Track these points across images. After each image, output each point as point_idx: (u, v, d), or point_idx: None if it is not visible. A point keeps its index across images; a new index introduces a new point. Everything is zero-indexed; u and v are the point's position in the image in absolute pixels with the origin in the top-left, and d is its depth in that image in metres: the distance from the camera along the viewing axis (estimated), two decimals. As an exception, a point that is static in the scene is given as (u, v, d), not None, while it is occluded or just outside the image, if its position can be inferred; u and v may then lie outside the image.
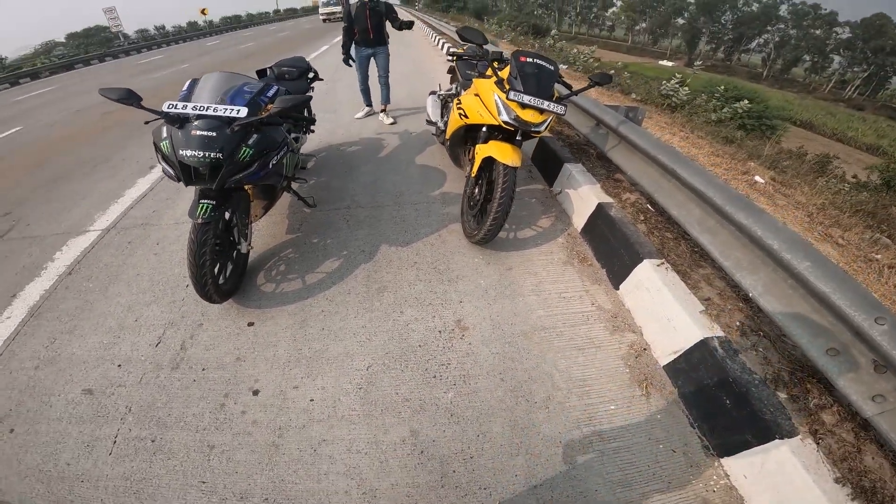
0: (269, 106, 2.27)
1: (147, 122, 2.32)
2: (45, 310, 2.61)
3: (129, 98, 2.03)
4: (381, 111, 5.43)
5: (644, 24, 79.14)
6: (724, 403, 1.61)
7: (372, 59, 5.03)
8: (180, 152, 1.96)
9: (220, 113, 2.04)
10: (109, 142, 5.78)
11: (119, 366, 2.16)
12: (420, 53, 11.38)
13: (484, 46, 2.63)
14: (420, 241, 2.92)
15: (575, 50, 12.95)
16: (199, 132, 1.98)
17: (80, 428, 1.89)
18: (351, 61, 4.97)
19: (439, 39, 13.42)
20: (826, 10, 61.75)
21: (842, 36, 59.84)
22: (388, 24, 4.90)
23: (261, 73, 3.34)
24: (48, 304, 2.65)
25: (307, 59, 3.46)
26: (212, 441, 1.77)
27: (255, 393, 1.95)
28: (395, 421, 1.78)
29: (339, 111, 5.99)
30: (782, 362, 1.72)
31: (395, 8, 5.07)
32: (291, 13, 57.92)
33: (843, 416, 1.51)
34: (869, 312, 1.31)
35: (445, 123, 3.50)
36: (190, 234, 2.10)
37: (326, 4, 29.15)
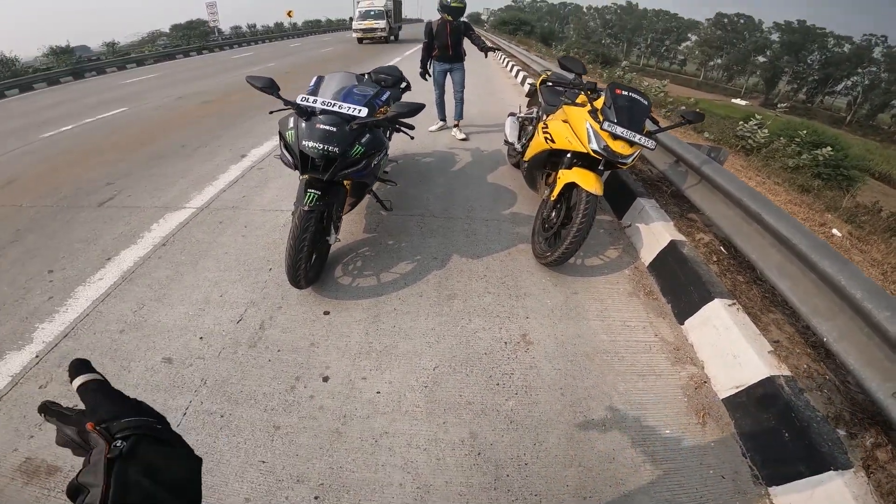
0: (383, 109, 2.47)
1: (271, 112, 2.55)
2: (137, 276, 2.81)
3: (271, 88, 2.25)
4: (455, 126, 5.61)
5: (719, 60, 76.41)
6: (781, 436, 1.65)
7: (448, 74, 5.24)
8: (303, 143, 2.16)
9: (343, 110, 2.24)
10: (206, 129, 6.30)
11: (201, 338, 2.29)
12: (491, 73, 11.63)
13: (582, 76, 2.73)
14: (490, 256, 3.02)
15: (646, 83, 12.78)
16: (322, 126, 2.18)
17: (154, 396, 1.95)
18: (427, 75, 5.21)
19: (507, 61, 13.67)
20: None
21: None
22: (465, 42, 5.13)
23: (359, 78, 3.58)
24: (141, 271, 2.86)
25: (399, 69, 3.65)
26: (278, 422, 1.85)
27: (325, 379, 2.04)
28: (456, 421, 1.86)
29: (414, 122, 6.27)
30: (845, 403, 1.74)
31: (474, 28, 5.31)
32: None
33: (895, 454, 1.55)
34: None
35: (523, 146, 3.61)
36: (294, 220, 2.29)
37: (365, 16, 21.57)
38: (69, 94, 11.24)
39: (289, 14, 34.41)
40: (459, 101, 5.45)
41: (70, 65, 15.38)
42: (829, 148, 10.46)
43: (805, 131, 11.98)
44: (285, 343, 2.26)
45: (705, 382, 2.06)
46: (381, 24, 21.46)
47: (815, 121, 40.52)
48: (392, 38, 23.28)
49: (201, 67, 15.23)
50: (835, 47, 63.82)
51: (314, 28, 41.75)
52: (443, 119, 5.78)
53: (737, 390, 1.91)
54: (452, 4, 4.74)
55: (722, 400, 1.97)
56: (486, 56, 5.30)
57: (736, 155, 6.96)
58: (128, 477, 0.43)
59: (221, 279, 2.77)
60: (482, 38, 5.20)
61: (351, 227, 3.31)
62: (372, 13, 21.73)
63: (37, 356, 2.22)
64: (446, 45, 4.95)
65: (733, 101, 54.45)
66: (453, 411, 1.91)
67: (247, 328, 2.36)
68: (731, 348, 2.01)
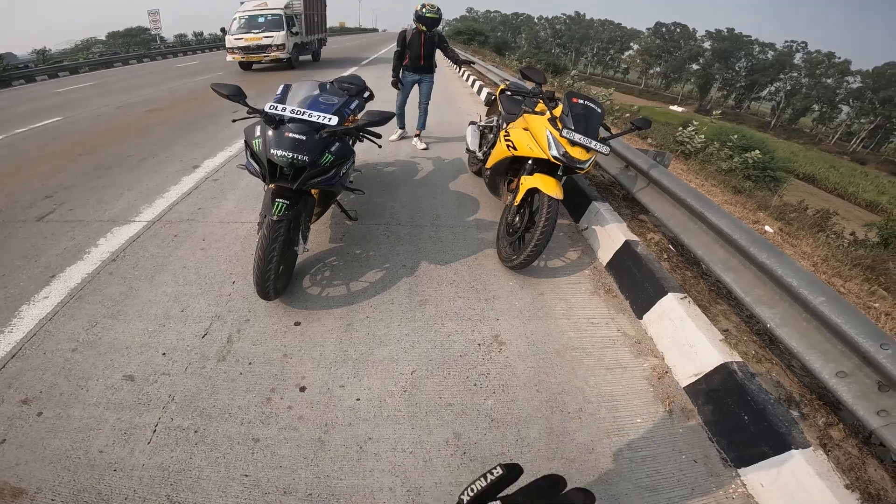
0: (352, 117, 2.46)
1: (234, 121, 2.53)
2: (87, 293, 2.65)
3: (238, 95, 2.22)
4: (416, 136, 5.66)
5: (658, 68, 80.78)
6: (741, 419, 1.80)
7: (416, 85, 5.26)
8: (271, 151, 2.12)
9: (313, 119, 2.22)
10: (153, 139, 6.01)
11: (164, 354, 2.20)
12: (447, 84, 11.79)
13: (542, 86, 2.87)
14: (457, 261, 3.09)
15: (594, 91, 13.42)
16: (291, 134, 2.15)
17: (119, 415, 1.87)
18: (400, 84, 5.19)
19: (464, 71, 13.91)
20: (840, 58, 61.94)
21: (853, 85, 59.81)
22: (437, 54, 5.16)
23: (323, 87, 3.52)
24: (91, 288, 2.70)
25: (362, 78, 3.61)
26: (256, 434, 1.82)
27: (302, 389, 2.03)
28: (438, 423, 1.91)
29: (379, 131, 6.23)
30: (793, 386, 1.93)
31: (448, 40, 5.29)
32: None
33: (847, 433, 1.72)
34: (875, 339, 1.53)
35: (484, 153, 3.71)
36: (262, 230, 2.24)
37: (249, 25, 13.27)
38: (-5, 103, 10.32)
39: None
40: (423, 113, 5.49)
41: (-3, 72, 14.01)
42: (757, 151, 11.39)
43: (736, 136, 12.99)
44: (256, 355, 2.22)
45: (667, 372, 2.23)
46: (277, 36, 13.03)
47: (744, 125, 43.89)
48: (309, 57, 16.69)
49: (143, 76, 14.36)
50: (760, 54, 68.42)
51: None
52: (402, 127, 5.79)
53: (696, 378, 2.07)
54: (427, 15, 4.74)
55: (683, 388, 2.13)
56: (459, 69, 5.36)
57: (676, 159, 7.44)
58: None
59: (181, 294, 2.67)
60: (455, 50, 5.20)
61: (317, 237, 3.28)
62: (262, 20, 13.19)
63: (-17, 379, 2.06)
64: (419, 55, 4.95)
65: (671, 107, 57.92)
66: (435, 413, 1.95)
67: (214, 342, 2.30)
68: (686, 339, 2.18)
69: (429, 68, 5.13)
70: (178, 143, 5.74)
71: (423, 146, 5.55)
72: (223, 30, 14.85)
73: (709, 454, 1.85)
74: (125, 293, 2.67)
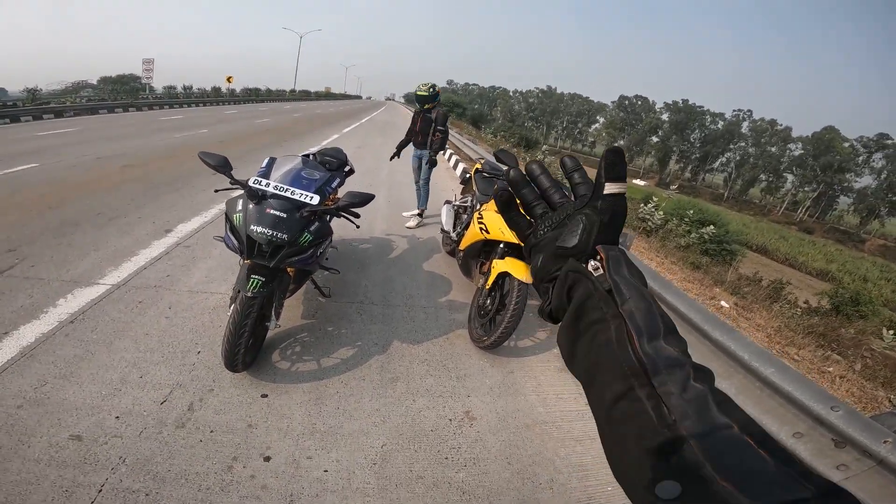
0: (333, 196, 2.54)
1: (217, 191, 2.55)
2: (39, 352, 2.54)
3: (224, 167, 2.26)
4: (418, 213, 5.75)
5: (622, 141, 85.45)
6: None
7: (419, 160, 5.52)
8: (251, 227, 2.14)
9: (296, 197, 2.26)
10: (127, 196, 5.90)
11: (117, 417, 2.12)
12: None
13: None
14: (429, 341, 3.14)
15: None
16: (271, 211, 2.18)
17: (61, 472, 1.79)
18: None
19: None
20: (782, 125, 65.28)
21: (794, 153, 62.18)
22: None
23: (305, 160, 3.48)
24: (44, 348, 2.59)
25: (344, 152, 3.62)
26: (215, 501, 1.77)
27: (267, 459, 1.98)
28: (409, 496, 1.88)
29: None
30: None
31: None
32: (305, 95, 61.57)
33: None
34: (826, 403, 1.68)
35: (458, 234, 3.79)
36: (235, 305, 2.23)
37: None
38: (-26, 144, 9.95)
39: (228, 80, 34.11)
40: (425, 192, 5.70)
41: (-17, 110, 13.59)
42: (711, 226, 12.17)
43: (692, 210, 13.89)
44: (219, 424, 2.16)
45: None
46: None
47: (700, 198, 46.47)
48: None
49: (126, 126, 14.30)
50: (711, 124, 72.35)
51: (252, 97, 40.78)
52: (421, 215, 5.79)
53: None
54: (418, 93, 5.16)
55: None
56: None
57: (638, 237, 7.85)
58: None
59: (141, 360, 2.58)
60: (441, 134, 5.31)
61: (289, 312, 3.23)
62: None
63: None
64: (415, 131, 5.33)
65: (633, 181, 61.08)
66: (405, 486, 1.94)
67: (173, 409, 2.22)
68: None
69: (425, 144, 5.36)
70: (152, 204, 5.66)
71: (413, 224, 5.63)
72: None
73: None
74: (80, 356, 2.57)
